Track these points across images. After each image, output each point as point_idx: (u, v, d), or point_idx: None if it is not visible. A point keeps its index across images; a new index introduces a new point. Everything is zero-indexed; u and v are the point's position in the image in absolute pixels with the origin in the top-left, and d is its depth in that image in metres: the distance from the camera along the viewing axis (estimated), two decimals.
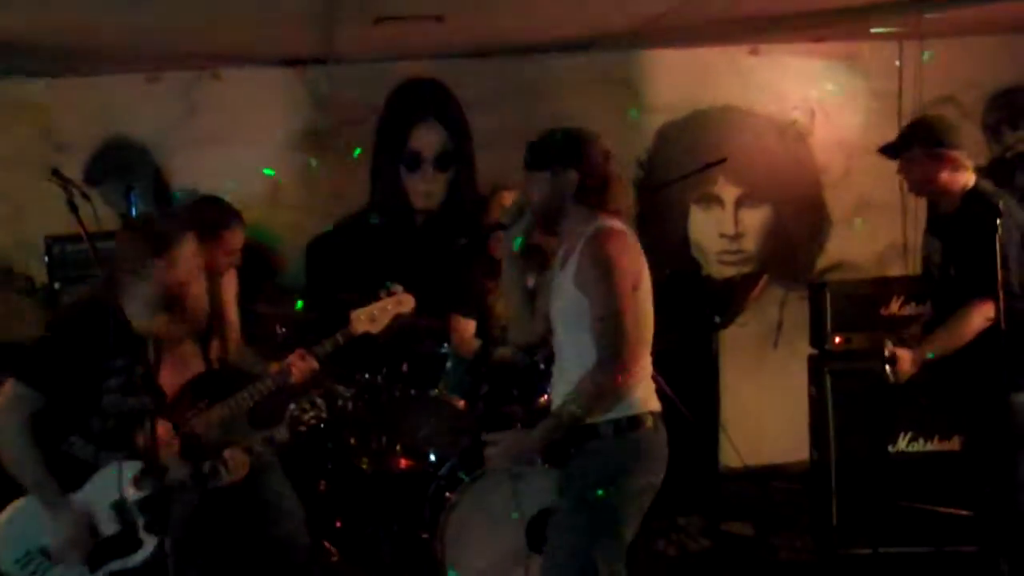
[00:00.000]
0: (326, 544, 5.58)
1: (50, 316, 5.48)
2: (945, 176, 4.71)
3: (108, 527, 3.99)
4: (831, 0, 5.73)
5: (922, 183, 4.82)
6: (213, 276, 4.81)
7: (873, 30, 6.79)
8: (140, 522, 3.99)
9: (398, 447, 5.53)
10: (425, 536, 5.20)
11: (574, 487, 3.72)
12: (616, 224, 3.75)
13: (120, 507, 3.97)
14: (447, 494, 5.13)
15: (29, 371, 3.94)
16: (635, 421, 3.69)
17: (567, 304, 3.70)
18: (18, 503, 4.02)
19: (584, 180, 3.73)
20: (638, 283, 3.69)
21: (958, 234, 4.65)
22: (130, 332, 4.02)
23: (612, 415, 3.66)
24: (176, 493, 4.07)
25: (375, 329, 4.78)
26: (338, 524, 5.68)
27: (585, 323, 3.63)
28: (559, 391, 3.77)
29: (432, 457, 5.47)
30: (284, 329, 5.89)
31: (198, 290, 4.79)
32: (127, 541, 3.99)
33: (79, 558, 3.96)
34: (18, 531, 3.99)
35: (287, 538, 4.74)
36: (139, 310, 4.04)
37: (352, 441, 5.64)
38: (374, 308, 4.78)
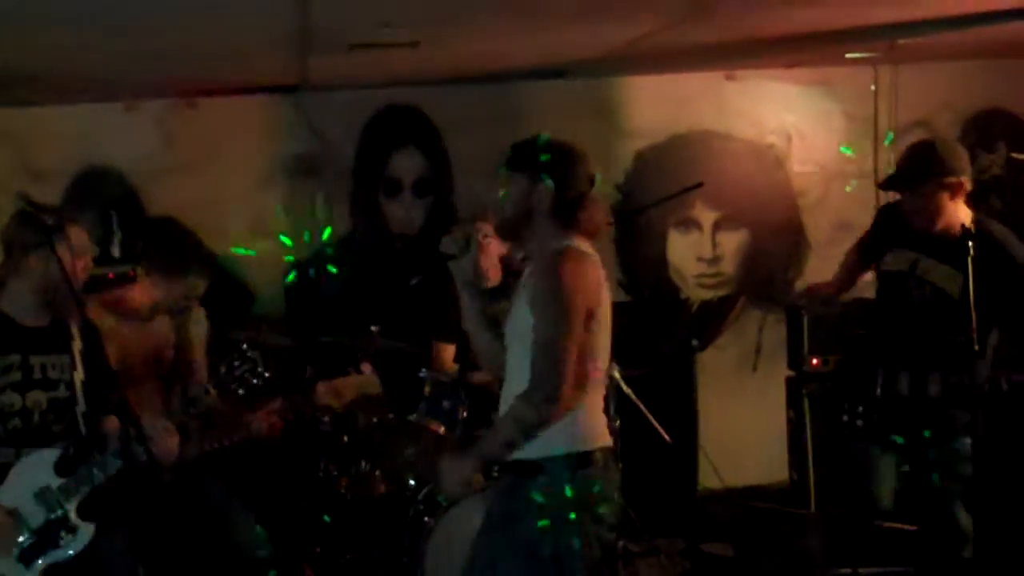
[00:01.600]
0: (306, 569, 5.56)
1: None
2: (952, 206, 4.52)
3: (35, 518, 3.84)
4: (806, 25, 5.77)
5: (932, 215, 4.57)
6: (179, 315, 4.80)
7: (848, 55, 6.85)
8: (70, 508, 3.86)
9: (377, 472, 5.51)
10: (404, 561, 5.19)
11: (515, 528, 3.51)
12: (582, 246, 3.55)
13: (44, 496, 3.84)
14: (426, 519, 5.12)
15: None
16: (584, 458, 3.50)
17: (518, 324, 3.54)
18: None
19: (561, 194, 3.55)
20: (593, 312, 3.49)
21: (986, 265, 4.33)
22: (16, 329, 3.92)
23: (558, 450, 3.47)
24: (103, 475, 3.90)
25: (337, 404, 4.84)
26: (317, 550, 5.66)
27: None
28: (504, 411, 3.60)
29: (411, 482, 5.45)
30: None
31: (163, 328, 4.79)
32: (59, 530, 3.86)
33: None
34: None
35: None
36: (19, 307, 3.94)
37: (331, 466, 5.62)
38: (339, 384, 4.82)
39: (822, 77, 7.27)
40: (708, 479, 6.43)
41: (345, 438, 5.61)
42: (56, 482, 3.85)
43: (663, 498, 6.29)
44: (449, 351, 5.58)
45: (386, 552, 5.44)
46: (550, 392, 3.39)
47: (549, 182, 3.54)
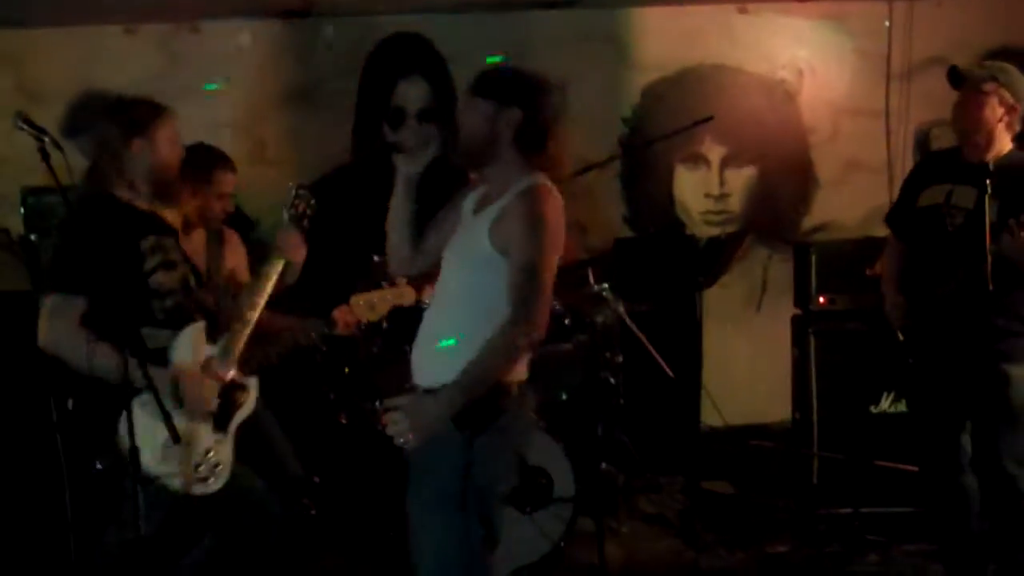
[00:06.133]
0: (304, 499, 5.54)
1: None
2: (1001, 131, 4.49)
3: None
4: None
5: (979, 123, 4.49)
6: (212, 235, 4.78)
7: None
8: (233, 370, 4.03)
9: (378, 403, 5.48)
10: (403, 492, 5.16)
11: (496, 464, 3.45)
12: (551, 184, 3.45)
13: (209, 366, 3.98)
14: None
15: (58, 279, 3.84)
16: (502, 388, 3.39)
17: (472, 247, 3.44)
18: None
19: (527, 124, 3.43)
20: (559, 251, 3.40)
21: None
22: (139, 213, 3.98)
23: (520, 375, 3.45)
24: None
25: (373, 317, 4.85)
26: (316, 479, 5.64)
27: (486, 269, 3.37)
28: (436, 328, 3.49)
29: None
30: None
31: (199, 244, 4.75)
32: (233, 390, 4.05)
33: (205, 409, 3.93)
34: (142, 434, 3.66)
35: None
36: (132, 194, 4.00)
37: (331, 396, 5.59)
38: (375, 296, 4.81)
39: (836, 12, 7.14)
40: (710, 417, 6.40)
41: (346, 369, 5.58)
42: (213, 350, 4.00)
43: (665, 435, 6.27)
44: None
45: (385, 483, 5.41)
46: (538, 318, 3.30)
47: (516, 110, 3.44)
